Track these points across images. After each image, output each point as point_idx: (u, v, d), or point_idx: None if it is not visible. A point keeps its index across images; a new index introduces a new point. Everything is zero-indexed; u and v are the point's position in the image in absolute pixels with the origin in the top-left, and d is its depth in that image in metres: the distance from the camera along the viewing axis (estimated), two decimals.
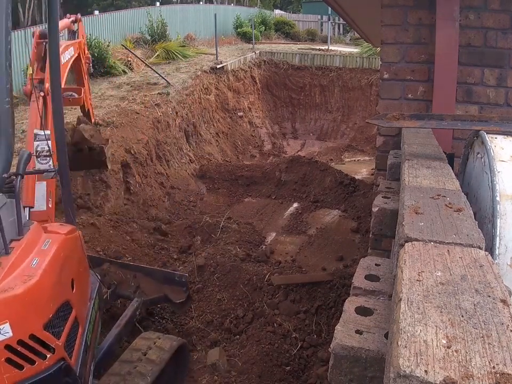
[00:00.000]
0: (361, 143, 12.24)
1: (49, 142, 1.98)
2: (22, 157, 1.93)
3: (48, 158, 2.22)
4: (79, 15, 5.49)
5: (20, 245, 1.88)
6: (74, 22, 5.36)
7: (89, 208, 6.18)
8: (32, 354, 1.73)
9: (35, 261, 1.85)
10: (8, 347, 1.63)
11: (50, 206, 2.91)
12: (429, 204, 1.38)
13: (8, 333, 1.61)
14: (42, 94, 2.98)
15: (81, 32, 5.47)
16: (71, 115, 7.10)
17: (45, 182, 2.59)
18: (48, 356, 1.80)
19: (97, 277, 2.98)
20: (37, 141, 1.96)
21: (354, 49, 14.97)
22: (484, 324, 0.77)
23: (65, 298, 2.09)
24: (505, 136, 1.86)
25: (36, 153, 1.95)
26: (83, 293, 2.53)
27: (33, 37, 3.86)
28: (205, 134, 10.30)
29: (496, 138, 1.84)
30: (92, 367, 2.50)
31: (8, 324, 1.61)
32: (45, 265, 1.86)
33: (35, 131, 2.01)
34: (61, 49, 3.20)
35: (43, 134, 1.99)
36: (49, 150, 2.17)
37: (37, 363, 1.75)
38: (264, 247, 6.16)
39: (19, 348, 1.67)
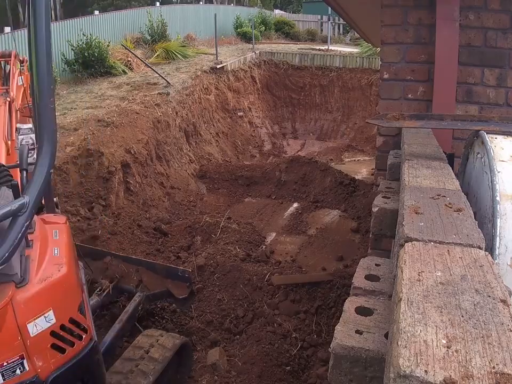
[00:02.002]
0: (361, 143, 12.23)
1: (33, 136, 2.00)
2: (23, 152, 1.98)
3: (32, 152, 2.24)
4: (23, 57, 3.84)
5: (37, 237, 1.94)
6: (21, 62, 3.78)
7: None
8: (71, 337, 1.84)
9: (56, 250, 1.93)
10: (52, 333, 1.73)
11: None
12: (429, 203, 1.38)
13: (52, 319, 1.71)
14: (8, 99, 2.83)
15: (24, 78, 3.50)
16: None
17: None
18: (83, 336, 1.91)
19: (84, 262, 3.06)
20: (21, 134, 1.97)
21: (354, 49, 14.95)
22: (484, 324, 0.77)
23: (81, 282, 2.20)
24: (505, 136, 1.86)
25: None
26: (80, 276, 2.63)
27: None
28: (205, 134, 10.29)
29: (496, 138, 1.84)
30: None
31: (52, 310, 1.71)
32: (65, 253, 1.97)
33: (18, 125, 2.02)
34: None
35: (27, 127, 2.01)
36: (33, 143, 2.18)
37: (76, 345, 1.86)
38: (264, 247, 6.15)
39: (61, 333, 1.77)
